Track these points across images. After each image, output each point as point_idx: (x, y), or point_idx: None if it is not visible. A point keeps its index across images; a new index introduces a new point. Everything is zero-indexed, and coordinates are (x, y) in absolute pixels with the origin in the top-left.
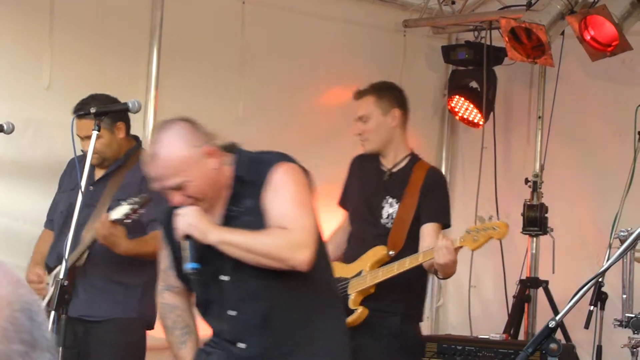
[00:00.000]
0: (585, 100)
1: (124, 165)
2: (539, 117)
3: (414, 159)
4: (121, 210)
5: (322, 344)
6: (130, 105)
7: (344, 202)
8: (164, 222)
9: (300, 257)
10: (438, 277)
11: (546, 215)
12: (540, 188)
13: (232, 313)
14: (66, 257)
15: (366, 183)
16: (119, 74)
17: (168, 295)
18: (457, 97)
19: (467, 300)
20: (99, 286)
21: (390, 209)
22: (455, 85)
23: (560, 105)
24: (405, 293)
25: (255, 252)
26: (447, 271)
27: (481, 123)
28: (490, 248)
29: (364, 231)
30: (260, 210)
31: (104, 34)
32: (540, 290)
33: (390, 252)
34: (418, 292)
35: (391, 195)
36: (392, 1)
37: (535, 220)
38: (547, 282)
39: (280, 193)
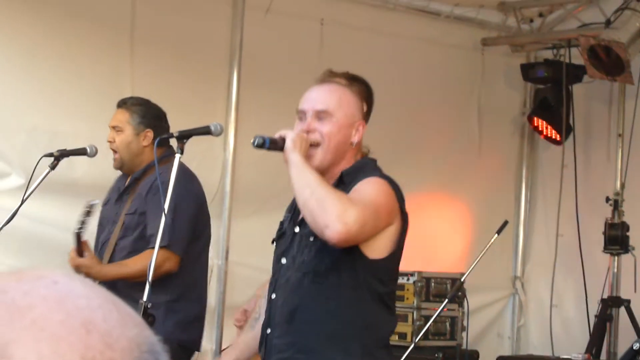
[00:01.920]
0: None
1: (140, 177)
2: (619, 135)
3: None
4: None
5: None
6: (212, 128)
7: None
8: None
9: (339, 225)
10: None
11: (627, 233)
12: (622, 206)
13: (273, 296)
14: (149, 279)
15: None
16: (200, 94)
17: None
18: (536, 118)
19: (549, 319)
20: None
21: None
22: (537, 105)
23: None
24: None
25: (313, 191)
26: None
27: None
28: (571, 267)
29: None
30: None
31: (185, 54)
32: (622, 310)
33: None
34: None
35: None
36: (471, 20)
37: (617, 239)
38: (629, 301)
39: (366, 186)
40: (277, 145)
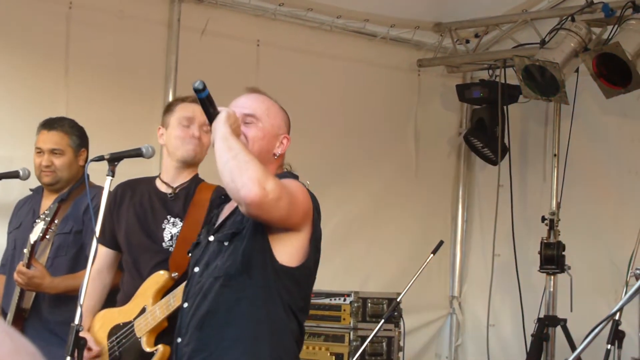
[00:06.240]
0: (601, 137)
1: (67, 198)
2: (555, 155)
3: (197, 179)
4: (37, 230)
5: None
6: (143, 150)
7: (105, 240)
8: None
9: (257, 187)
10: None
11: (563, 253)
12: (557, 226)
13: (185, 305)
14: (80, 301)
15: (141, 208)
16: (135, 117)
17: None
18: (472, 138)
19: (486, 339)
20: (59, 332)
21: (173, 229)
22: (473, 125)
23: (575, 142)
24: None
25: (236, 154)
26: None
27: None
28: (508, 286)
29: (143, 263)
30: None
31: (120, 76)
32: (559, 329)
33: (174, 274)
34: None
35: (173, 214)
36: (407, 41)
37: (553, 258)
38: (565, 320)
39: (289, 181)
40: (211, 105)
